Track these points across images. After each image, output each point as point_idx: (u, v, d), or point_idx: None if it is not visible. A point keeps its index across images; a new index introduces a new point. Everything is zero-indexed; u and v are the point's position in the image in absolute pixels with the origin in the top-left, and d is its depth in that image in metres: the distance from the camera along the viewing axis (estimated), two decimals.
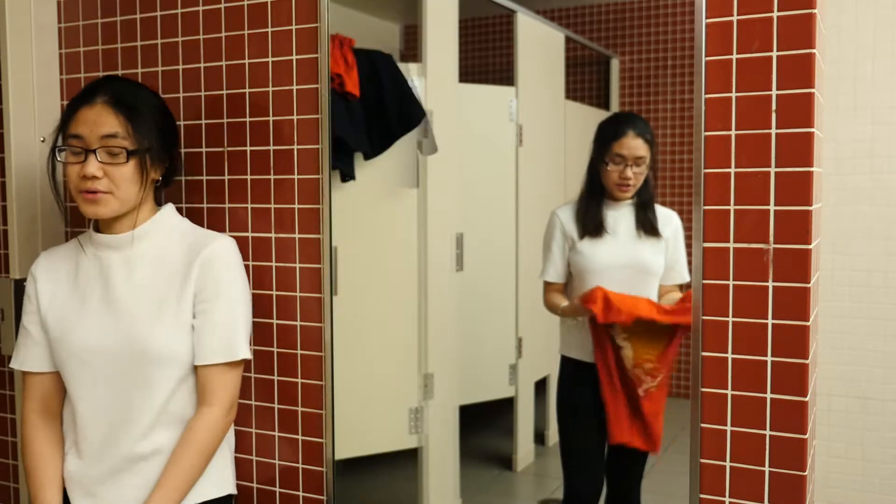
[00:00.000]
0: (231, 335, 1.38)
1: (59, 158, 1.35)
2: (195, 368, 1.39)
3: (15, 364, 1.44)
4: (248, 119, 1.55)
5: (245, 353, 1.40)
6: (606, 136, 2.07)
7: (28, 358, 1.42)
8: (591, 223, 2.07)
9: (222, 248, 1.40)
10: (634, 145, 2.01)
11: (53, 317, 1.39)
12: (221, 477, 1.44)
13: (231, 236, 1.48)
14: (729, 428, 1.25)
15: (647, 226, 2.04)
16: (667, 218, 2.05)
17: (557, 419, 2.20)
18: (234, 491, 1.48)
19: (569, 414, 2.14)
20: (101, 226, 1.41)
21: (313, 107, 1.49)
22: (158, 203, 1.45)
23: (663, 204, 2.08)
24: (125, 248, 1.39)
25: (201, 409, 1.38)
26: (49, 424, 1.42)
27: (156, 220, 1.41)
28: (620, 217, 2.06)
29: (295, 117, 1.51)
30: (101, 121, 1.30)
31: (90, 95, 1.33)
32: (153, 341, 1.34)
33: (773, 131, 1.19)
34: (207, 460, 1.38)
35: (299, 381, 1.51)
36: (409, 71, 2.33)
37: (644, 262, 2.03)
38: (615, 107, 3.03)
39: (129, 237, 1.38)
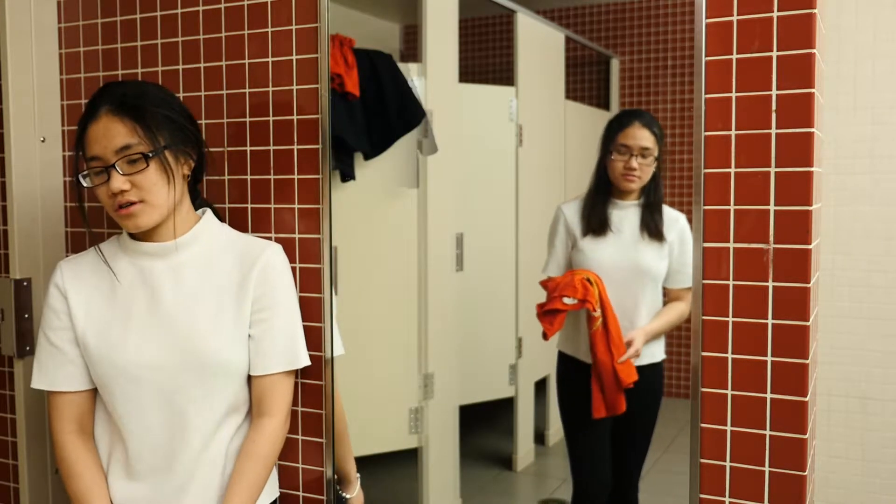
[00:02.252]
0: (292, 343, 1.36)
1: (85, 184, 1.29)
2: (249, 378, 1.36)
3: (42, 385, 1.34)
4: (247, 119, 1.55)
5: (306, 359, 1.39)
6: (612, 129, 2.05)
7: (61, 377, 1.33)
8: (595, 220, 2.05)
9: (277, 256, 1.37)
10: (640, 135, 1.99)
11: (94, 332, 1.32)
12: (271, 482, 1.42)
13: None
14: (729, 428, 1.25)
15: (651, 228, 2.01)
16: (673, 220, 2.02)
17: (561, 417, 2.19)
18: (278, 494, 1.47)
19: (571, 412, 2.13)
20: (139, 234, 1.34)
21: (313, 107, 1.49)
22: (194, 203, 1.41)
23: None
24: (170, 256, 1.33)
25: (260, 419, 1.35)
26: (88, 446, 1.35)
27: (200, 226, 1.36)
28: (626, 217, 2.04)
29: (295, 117, 1.51)
30: (111, 133, 1.25)
31: (93, 110, 1.28)
32: (213, 353, 1.29)
33: (773, 131, 1.19)
34: (270, 471, 1.36)
35: (299, 381, 1.51)
36: (409, 71, 2.33)
37: (644, 265, 2.01)
38: (615, 107, 3.03)
39: (174, 245, 1.33)
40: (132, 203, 1.26)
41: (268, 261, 1.35)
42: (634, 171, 1.99)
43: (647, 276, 2.02)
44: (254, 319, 1.34)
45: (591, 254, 2.04)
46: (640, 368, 2.03)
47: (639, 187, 2.02)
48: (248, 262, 1.35)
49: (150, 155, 1.26)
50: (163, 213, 1.30)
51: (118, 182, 1.24)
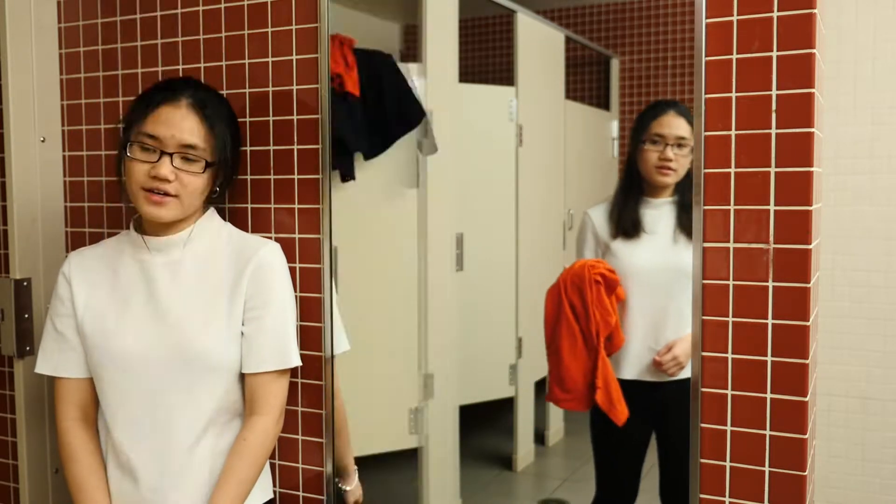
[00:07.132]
0: (283, 342, 1.36)
1: (127, 154, 1.29)
2: (243, 377, 1.36)
3: (46, 370, 1.37)
4: (248, 119, 1.55)
5: (297, 360, 1.38)
6: (645, 119, 1.89)
7: (64, 363, 1.36)
8: (627, 221, 1.90)
9: (272, 255, 1.37)
10: (676, 123, 1.83)
11: (91, 321, 1.34)
12: (264, 482, 1.42)
13: None
14: (729, 428, 1.25)
15: (689, 228, 1.89)
16: None
17: (592, 439, 2.06)
18: (272, 496, 1.47)
19: (602, 432, 2.02)
20: (147, 227, 1.36)
21: (313, 107, 1.49)
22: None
23: None
24: (168, 252, 1.35)
25: (252, 418, 1.35)
26: (90, 434, 1.37)
27: (201, 223, 1.37)
28: (660, 217, 1.88)
29: (295, 117, 1.51)
30: (186, 126, 1.27)
31: (174, 93, 1.29)
32: (204, 349, 1.30)
33: (773, 131, 1.20)
34: (260, 470, 1.36)
35: (299, 381, 1.51)
36: (409, 71, 2.33)
37: (685, 267, 1.86)
38: (615, 107, 3.03)
39: (180, 241, 1.34)
40: (168, 195, 1.28)
41: (262, 259, 1.36)
42: (670, 162, 1.82)
43: (688, 279, 1.91)
44: (246, 318, 1.35)
45: (625, 258, 1.90)
46: (681, 383, 1.83)
47: (674, 182, 1.84)
48: (242, 260, 1.36)
49: (208, 164, 1.31)
50: (185, 214, 1.33)
51: (167, 170, 1.27)
